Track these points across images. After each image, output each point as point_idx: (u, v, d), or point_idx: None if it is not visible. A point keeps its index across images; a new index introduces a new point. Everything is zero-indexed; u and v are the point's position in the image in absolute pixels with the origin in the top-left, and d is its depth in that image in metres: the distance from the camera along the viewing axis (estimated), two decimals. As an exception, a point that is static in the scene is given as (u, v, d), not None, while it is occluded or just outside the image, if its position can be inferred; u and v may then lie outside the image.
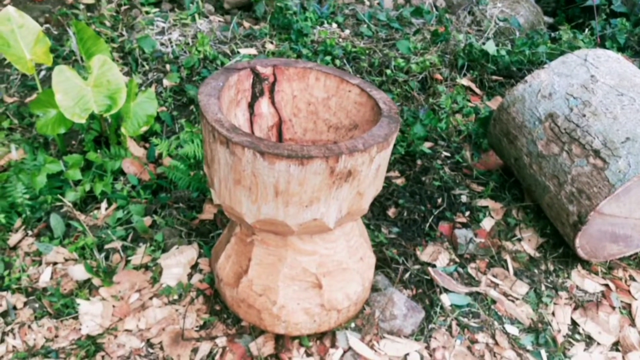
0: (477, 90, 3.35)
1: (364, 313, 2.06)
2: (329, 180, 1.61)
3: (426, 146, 2.81)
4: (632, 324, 2.22)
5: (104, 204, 2.54)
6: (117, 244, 2.27)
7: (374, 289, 2.12)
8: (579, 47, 3.52)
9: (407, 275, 2.24)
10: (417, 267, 2.28)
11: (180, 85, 3.35)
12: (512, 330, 2.14)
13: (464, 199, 2.58)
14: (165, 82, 3.28)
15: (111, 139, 2.70)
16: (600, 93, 2.22)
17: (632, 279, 2.39)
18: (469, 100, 3.19)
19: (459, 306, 2.18)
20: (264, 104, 2.03)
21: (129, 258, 2.21)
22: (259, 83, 2.00)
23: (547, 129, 2.27)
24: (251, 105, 2.01)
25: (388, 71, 3.31)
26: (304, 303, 1.87)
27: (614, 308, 2.27)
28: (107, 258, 2.23)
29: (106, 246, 2.27)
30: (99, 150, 2.69)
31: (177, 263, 2.17)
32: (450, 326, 2.11)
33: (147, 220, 2.40)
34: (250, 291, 1.87)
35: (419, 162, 2.73)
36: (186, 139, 2.74)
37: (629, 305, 2.29)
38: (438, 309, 2.15)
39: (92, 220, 2.44)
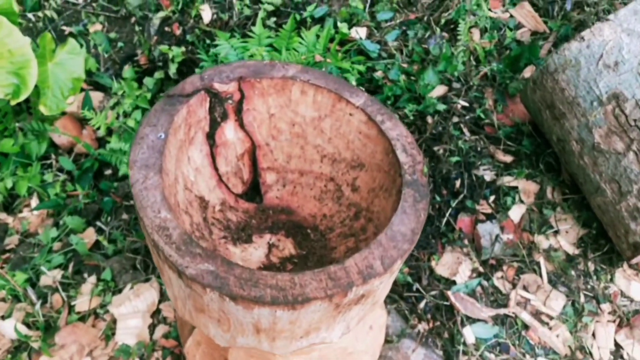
0: (498, -9, 2.62)
1: (372, 372, 1.67)
2: (334, 313, 1.12)
3: (439, 92, 2.20)
4: (685, 340, 1.88)
5: (33, 200, 1.99)
6: (56, 277, 1.78)
7: (385, 339, 1.71)
8: None
9: (422, 304, 1.82)
10: (434, 292, 1.84)
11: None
12: (547, 364, 1.79)
13: (487, 176, 2.06)
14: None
15: (34, 114, 2.06)
16: (689, 67, 1.63)
17: (687, 278, 2.00)
18: (489, 10, 2.49)
19: (484, 339, 1.80)
20: (228, 130, 1.42)
21: (72, 303, 1.74)
22: (219, 105, 1.37)
23: (609, 115, 1.70)
24: (210, 136, 1.41)
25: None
26: (300, 401, 1.47)
27: (664, 320, 1.91)
28: (44, 301, 1.75)
29: (42, 281, 1.78)
30: (17, 126, 2.06)
31: (134, 311, 1.71)
32: (474, 368, 1.75)
33: (89, 234, 1.88)
34: (230, 393, 1.45)
35: (429, 120, 2.15)
36: (131, 103, 2.10)
37: (683, 316, 1.93)
38: (460, 347, 1.76)
39: (21, 224, 1.92)
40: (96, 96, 2.29)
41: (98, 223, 1.91)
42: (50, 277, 1.78)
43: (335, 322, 1.16)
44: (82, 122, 2.21)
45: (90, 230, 1.89)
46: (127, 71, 2.33)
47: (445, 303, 1.83)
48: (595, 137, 1.73)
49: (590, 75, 1.74)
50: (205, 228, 1.37)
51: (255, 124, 1.44)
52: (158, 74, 2.16)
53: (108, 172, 2.12)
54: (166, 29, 2.62)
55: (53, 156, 2.09)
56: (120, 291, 1.76)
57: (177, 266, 1.04)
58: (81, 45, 2.43)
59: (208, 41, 2.38)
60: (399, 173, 1.25)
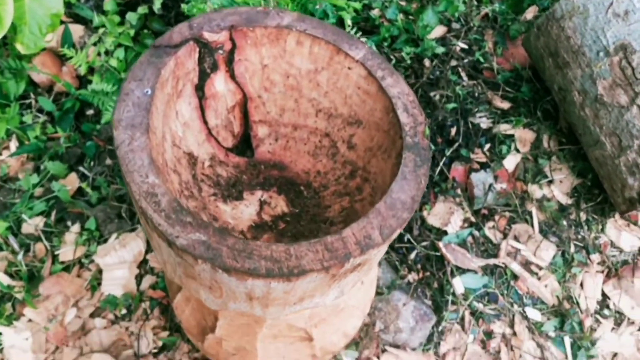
0: None
1: (362, 323, 1.67)
2: (329, 282, 1.09)
3: (438, 33, 2.11)
4: (670, 291, 1.90)
5: (13, 143, 1.91)
6: (38, 226, 1.73)
7: (375, 291, 1.70)
8: None
9: (412, 255, 1.80)
10: (425, 242, 1.82)
11: None
12: (534, 314, 1.80)
13: (483, 123, 2.00)
14: None
15: (11, 51, 1.94)
16: (701, 18, 1.55)
17: (678, 229, 2.00)
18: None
19: (473, 289, 1.80)
20: (218, 81, 1.34)
21: (56, 252, 1.69)
22: (208, 55, 1.29)
23: (614, 67, 1.63)
24: (199, 87, 1.32)
25: None
26: (291, 356, 1.47)
27: (651, 271, 1.92)
28: (27, 250, 1.71)
29: (24, 229, 1.73)
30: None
31: (120, 261, 1.67)
32: (462, 318, 1.76)
33: (72, 180, 1.81)
34: (220, 348, 1.44)
35: (427, 63, 2.06)
36: (114, 41, 1.98)
37: (671, 267, 1.94)
38: (449, 297, 1.76)
39: (0, 168, 1.85)
40: (76, 30, 2.16)
41: (81, 168, 1.85)
42: (32, 225, 1.73)
43: (330, 289, 1.14)
44: (62, 58, 2.09)
45: (73, 176, 1.82)
46: (109, 3, 2.18)
47: (436, 253, 1.81)
48: (599, 88, 1.67)
49: (598, 23, 1.65)
50: (194, 185, 1.32)
51: (247, 75, 1.35)
52: (141, 9, 2.03)
53: (90, 112, 2.02)
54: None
55: (32, 95, 1.99)
56: (105, 241, 1.71)
57: (167, 236, 1.00)
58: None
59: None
60: (399, 134, 1.19)
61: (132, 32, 2.00)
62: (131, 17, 2.04)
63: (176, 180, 1.24)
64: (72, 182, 1.81)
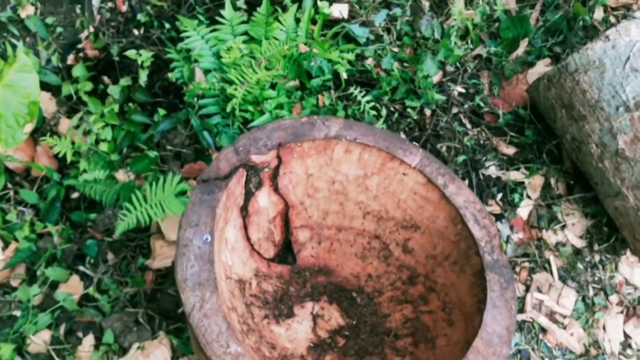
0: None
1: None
2: None
3: (435, 79, 2.04)
4: (685, 323, 1.94)
5: (-3, 244, 1.73)
6: (46, 342, 1.57)
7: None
8: None
9: (445, 324, 1.75)
10: (456, 309, 1.78)
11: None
12: (565, 366, 1.81)
13: (493, 172, 1.96)
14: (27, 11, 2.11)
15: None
16: None
17: (685, 260, 2.04)
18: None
19: (507, 350, 1.77)
20: (262, 197, 1.23)
21: (72, 374, 1.54)
22: (254, 175, 1.17)
23: (636, 122, 1.62)
24: (244, 207, 1.21)
25: None
26: None
27: (667, 306, 1.96)
28: (37, 373, 1.54)
29: (31, 348, 1.56)
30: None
31: (148, 376, 1.54)
32: (499, 381, 1.74)
33: (75, 285, 1.65)
34: None
35: (427, 112, 2.00)
36: (97, 119, 1.80)
37: (684, 299, 1.98)
38: (485, 363, 1.73)
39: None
40: (44, 99, 1.97)
41: (82, 268, 1.68)
42: (39, 342, 1.57)
43: None
44: (34, 136, 1.90)
45: (75, 279, 1.66)
46: (77, 68, 2.00)
47: (467, 318, 1.78)
48: (620, 143, 1.66)
49: (616, 78, 1.64)
50: (248, 314, 1.21)
51: (291, 186, 1.25)
52: (124, 81, 1.86)
53: (75, 195, 1.85)
54: (109, 4, 2.26)
55: (10, 186, 1.80)
56: (124, 352, 1.57)
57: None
58: (19, 39, 2.07)
59: (167, 25, 2.07)
60: (474, 250, 1.12)
61: (116, 107, 1.83)
62: (113, 90, 1.87)
63: (235, 318, 1.13)
64: (75, 286, 1.65)
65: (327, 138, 1.18)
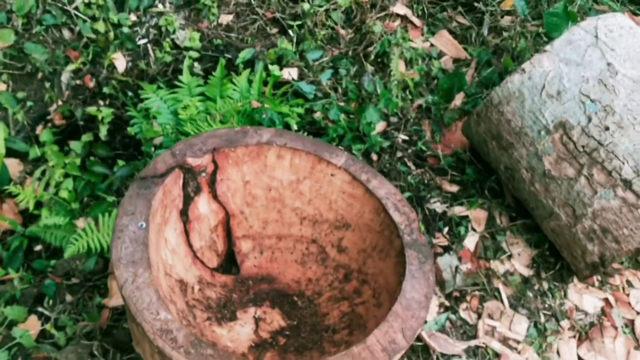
0: (415, 21, 2.68)
1: None
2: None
3: (379, 128, 2.20)
4: (638, 345, 1.98)
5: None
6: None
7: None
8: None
9: (398, 349, 1.79)
10: (408, 334, 1.82)
11: (17, 45, 2.38)
12: (521, 390, 1.82)
13: (438, 207, 2.08)
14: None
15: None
16: (623, 92, 1.72)
17: (630, 285, 2.11)
18: (410, 40, 2.53)
19: (462, 375, 1.80)
20: (202, 203, 1.33)
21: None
22: (192, 179, 1.28)
23: (557, 143, 1.77)
24: (184, 212, 1.30)
25: (305, 4, 2.53)
26: None
27: (616, 328, 2.01)
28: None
29: (-16, 387, 1.57)
30: None
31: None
32: (456, 406, 1.75)
33: (33, 323, 1.69)
34: None
35: (374, 157, 2.14)
36: (58, 169, 1.92)
37: (632, 322, 2.04)
38: (440, 388, 1.75)
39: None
40: (12, 164, 2.08)
41: (40, 309, 1.73)
42: (-6, 380, 1.58)
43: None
44: (0, 195, 2.00)
45: (33, 319, 1.69)
46: (44, 133, 2.13)
47: (420, 343, 1.81)
48: (546, 164, 1.79)
49: (535, 105, 1.80)
50: (189, 313, 1.26)
51: (229, 193, 1.35)
52: (86, 137, 1.99)
53: (38, 247, 1.92)
54: (77, 82, 2.44)
55: (-27, 238, 1.87)
56: (80, 386, 1.58)
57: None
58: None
59: (130, 93, 2.24)
60: (395, 234, 1.21)
61: (78, 160, 1.95)
62: (75, 146, 1.99)
63: (174, 310, 1.19)
64: (33, 325, 1.68)
65: (259, 144, 1.30)
